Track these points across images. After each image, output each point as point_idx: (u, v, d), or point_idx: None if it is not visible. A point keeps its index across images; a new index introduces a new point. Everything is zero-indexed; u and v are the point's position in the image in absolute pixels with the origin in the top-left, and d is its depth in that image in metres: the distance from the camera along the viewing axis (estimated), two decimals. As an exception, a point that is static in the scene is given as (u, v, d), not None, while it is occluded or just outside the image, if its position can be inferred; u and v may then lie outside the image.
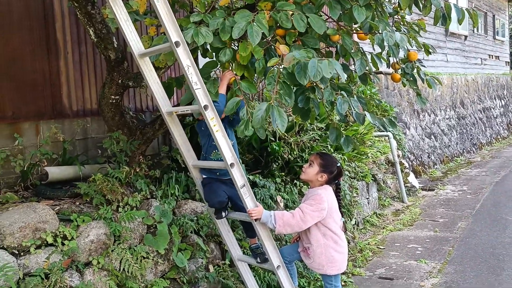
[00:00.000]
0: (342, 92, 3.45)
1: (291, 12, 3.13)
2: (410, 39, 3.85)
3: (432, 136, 12.09)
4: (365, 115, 3.57)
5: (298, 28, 3.09)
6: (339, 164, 3.52)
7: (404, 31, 3.93)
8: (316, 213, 3.34)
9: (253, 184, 5.05)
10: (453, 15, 3.64)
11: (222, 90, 3.37)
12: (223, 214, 3.66)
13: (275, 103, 2.93)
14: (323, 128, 6.41)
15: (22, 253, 3.16)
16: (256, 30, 3.00)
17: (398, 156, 8.49)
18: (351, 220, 6.30)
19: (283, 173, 5.62)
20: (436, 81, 4.14)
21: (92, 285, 3.26)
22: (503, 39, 20.54)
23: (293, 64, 2.87)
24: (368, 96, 8.09)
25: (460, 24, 3.82)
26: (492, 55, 19.25)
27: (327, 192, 3.46)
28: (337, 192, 3.59)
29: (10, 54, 4.03)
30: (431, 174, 10.78)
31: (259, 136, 3.00)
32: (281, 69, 3.04)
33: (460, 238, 6.07)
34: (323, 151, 3.60)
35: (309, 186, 3.65)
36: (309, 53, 2.93)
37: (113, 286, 3.34)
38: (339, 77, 4.15)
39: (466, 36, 16.20)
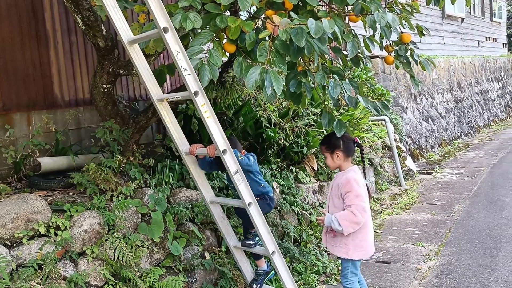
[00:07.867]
0: (334, 75, 3.41)
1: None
2: (403, 20, 3.80)
3: (430, 120, 12.06)
4: (358, 98, 3.53)
5: (290, 0, 3.03)
6: (339, 134, 3.41)
7: (397, 12, 3.89)
8: (364, 197, 3.33)
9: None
10: (447, -5, 3.60)
11: None
12: None
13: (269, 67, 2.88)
14: (318, 113, 6.38)
15: (14, 245, 3.15)
16: None
17: (395, 140, 8.47)
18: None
19: (278, 159, 5.60)
20: (430, 63, 4.10)
21: (86, 275, 3.25)
22: (500, 21, 20.42)
23: (288, 31, 2.80)
24: (364, 80, 8.06)
25: (453, 4, 3.78)
26: (489, 37, 19.16)
27: (356, 172, 3.41)
28: (362, 160, 3.65)
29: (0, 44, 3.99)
30: (429, 158, 10.76)
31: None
32: (274, 41, 2.97)
33: (457, 221, 6.07)
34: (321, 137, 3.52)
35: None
36: (304, 20, 2.87)
37: (108, 275, 3.33)
38: (332, 61, 4.12)
39: (463, 19, 16.09)
